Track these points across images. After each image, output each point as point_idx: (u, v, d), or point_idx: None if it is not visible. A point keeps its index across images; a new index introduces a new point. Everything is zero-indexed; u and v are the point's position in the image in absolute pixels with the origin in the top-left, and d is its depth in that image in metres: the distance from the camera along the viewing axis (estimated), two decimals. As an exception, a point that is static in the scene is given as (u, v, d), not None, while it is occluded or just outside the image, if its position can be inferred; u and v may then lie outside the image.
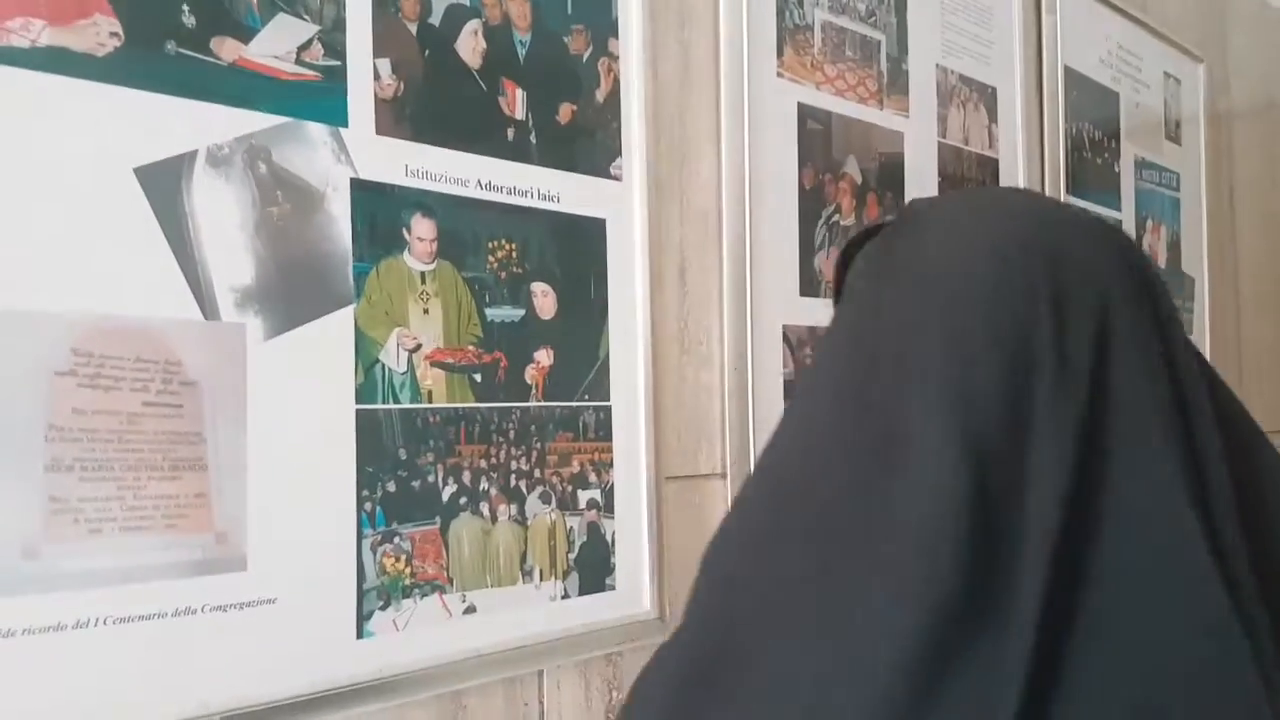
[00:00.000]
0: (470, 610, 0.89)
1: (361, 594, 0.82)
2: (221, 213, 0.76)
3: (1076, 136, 1.90)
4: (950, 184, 1.55)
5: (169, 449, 0.72)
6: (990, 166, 1.65)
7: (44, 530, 0.65)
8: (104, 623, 0.68)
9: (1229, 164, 2.43)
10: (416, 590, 0.85)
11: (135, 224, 0.72)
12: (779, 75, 1.27)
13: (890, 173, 1.44)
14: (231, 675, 0.74)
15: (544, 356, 0.97)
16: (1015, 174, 1.71)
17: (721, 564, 0.49)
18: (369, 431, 0.83)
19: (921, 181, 1.49)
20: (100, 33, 0.70)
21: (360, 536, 0.82)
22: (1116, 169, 2.04)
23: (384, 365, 0.84)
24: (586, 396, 1.01)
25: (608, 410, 1.03)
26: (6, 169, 0.67)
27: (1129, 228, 2.07)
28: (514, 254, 0.95)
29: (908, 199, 1.46)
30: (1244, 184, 2.47)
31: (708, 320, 1.17)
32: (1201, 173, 2.30)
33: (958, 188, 1.57)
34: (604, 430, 1.02)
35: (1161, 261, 2.21)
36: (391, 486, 0.84)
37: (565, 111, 1.00)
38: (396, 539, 0.84)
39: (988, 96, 1.65)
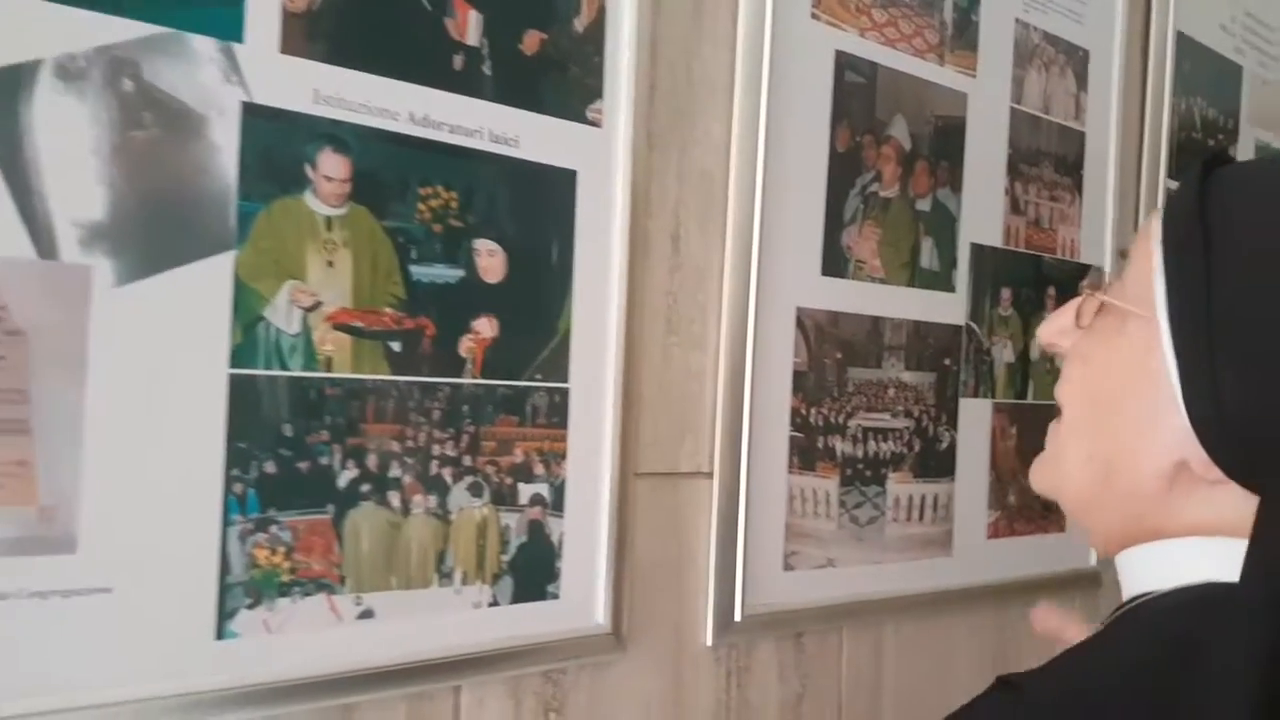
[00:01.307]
0: (367, 614, 0.75)
1: (224, 589, 0.68)
2: (70, 134, 0.62)
3: (1185, 114, 1.62)
4: (1022, 156, 1.31)
5: (-20, 408, 0.59)
6: (1075, 140, 1.41)
7: None
8: (-124, 607, 0.56)
9: (1371, 155, 2.07)
10: (297, 588, 0.72)
11: (-47, 139, 0.59)
12: (814, 17, 1.06)
13: (948, 139, 1.22)
14: (56, 672, 0.62)
15: (485, 326, 0.82)
16: (1106, 151, 1.46)
17: None
18: (245, 401, 0.69)
19: (987, 151, 1.27)
20: (-80, -93, 0.58)
21: (226, 523, 0.68)
22: (1232, 152, 1.74)
23: (270, 324, 0.70)
24: (538, 376, 0.85)
25: (564, 393, 0.87)
26: None
27: (1241, 221, 1.77)
28: (453, 204, 0.79)
29: (967, 170, 1.24)
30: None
31: (704, 296, 1.00)
32: (1336, 163, 1.96)
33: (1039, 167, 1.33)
34: (558, 416, 0.86)
35: None
36: (271, 467, 0.70)
37: (531, 40, 0.83)
38: (274, 528, 0.70)
39: (1077, 60, 1.40)
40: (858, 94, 1.11)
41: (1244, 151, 1.76)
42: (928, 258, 1.19)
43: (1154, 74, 1.54)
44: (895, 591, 1.16)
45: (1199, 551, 0.48)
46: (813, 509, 1.08)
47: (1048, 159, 1.36)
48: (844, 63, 1.09)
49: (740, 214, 1.00)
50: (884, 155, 1.14)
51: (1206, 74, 1.66)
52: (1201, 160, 0.50)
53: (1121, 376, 0.50)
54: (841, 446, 1.11)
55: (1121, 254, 0.54)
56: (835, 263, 1.10)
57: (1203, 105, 1.66)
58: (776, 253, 1.03)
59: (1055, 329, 0.56)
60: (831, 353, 1.10)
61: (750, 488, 1.01)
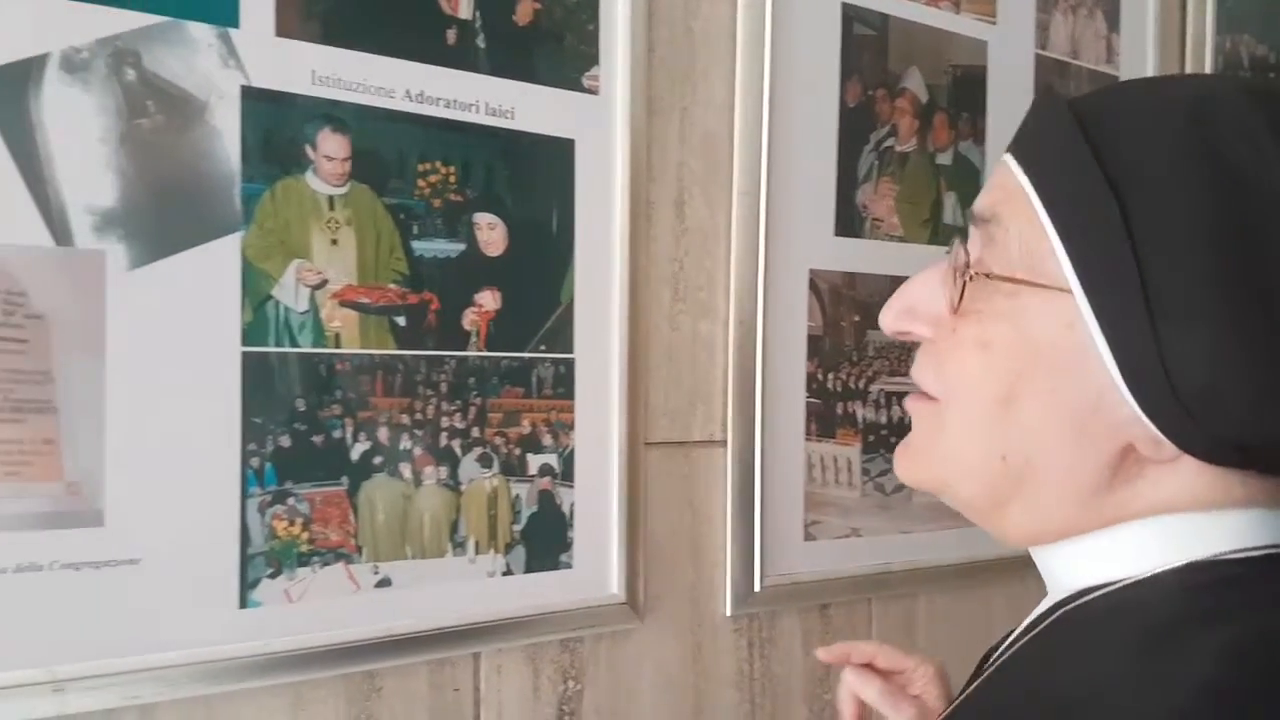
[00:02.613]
0: (384, 583, 0.83)
1: (246, 559, 0.76)
2: (78, 125, 0.70)
3: (1231, 53, 1.63)
4: (1049, 105, 1.35)
5: (10, 389, 0.67)
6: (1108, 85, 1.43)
7: None
8: (-75, 577, 0.65)
9: None
10: (315, 558, 0.79)
11: (-28, 135, 0.67)
12: (818, -30, 1.11)
13: (967, 90, 1.26)
14: (86, 640, 0.70)
15: (488, 299, 0.88)
16: (1142, 95, 1.48)
17: None
18: (258, 378, 0.77)
19: (1011, 101, 1.31)
20: (-68, -85, 0.65)
21: (245, 495, 0.76)
22: (1287, 90, 1.75)
23: (278, 303, 0.78)
24: (543, 347, 0.92)
25: (569, 364, 0.93)
26: None
27: (1299, 163, 1.77)
28: (451, 178, 0.86)
29: (990, 121, 1.28)
30: None
31: (711, 263, 1.06)
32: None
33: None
34: (564, 387, 0.93)
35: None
36: (286, 441, 0.78)
37: (525, 10, 0.89)
38: (291, 500, 0.78)
39: (1107, 0, 1.43)
40: (868, 46, 1.16)
41: (1303, 88, 1.76)
42: (951, 213, 1.24)
43: (1194, 10, 1.56)
44: (926, 562, 1.22)
45: (1170, 531, 0.45)
46: (834, 477, 1.14)
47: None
48: (852, 15, 1.14)
49: (746, 176, 1.06)
50: (899, 109, 1.19)
51: (1254, 7, 1.67)
52: (1045, 95, 0.46)
53: (1035, 362, 0.45)
54: (863, 412, 1.16)
55: (978, 217, 0.48)
56: (850, 222, 1.15)
57: (1251, 42, 1.68)
58: (786, 214, 1.09)
59: (902, 311, 0.50)
60: (849, 315, 1.15)
61: (766, 456, 1.07)
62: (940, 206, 1.23)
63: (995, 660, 0.52)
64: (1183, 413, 0.42)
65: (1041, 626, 0.49)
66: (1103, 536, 0.47)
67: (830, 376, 1.14)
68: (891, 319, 0.51)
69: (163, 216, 0.73)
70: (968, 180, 1.26)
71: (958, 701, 0.52)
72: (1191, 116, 0.43)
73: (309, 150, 0.79)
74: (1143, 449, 0.44)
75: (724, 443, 1.06)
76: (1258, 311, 0.40)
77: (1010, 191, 0.46)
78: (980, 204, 0.48)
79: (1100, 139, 0.43)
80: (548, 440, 0.92)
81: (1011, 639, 0.52)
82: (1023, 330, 0.45)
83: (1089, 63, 1.41)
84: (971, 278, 0.46)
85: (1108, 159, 0.43)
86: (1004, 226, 0.46)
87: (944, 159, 1.24)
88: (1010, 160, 0.47)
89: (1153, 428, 0.43)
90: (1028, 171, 0.45)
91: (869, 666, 0.76)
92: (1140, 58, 1.48)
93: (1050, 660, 0.46)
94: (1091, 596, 0.46)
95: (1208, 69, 1.58)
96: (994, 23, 1.28)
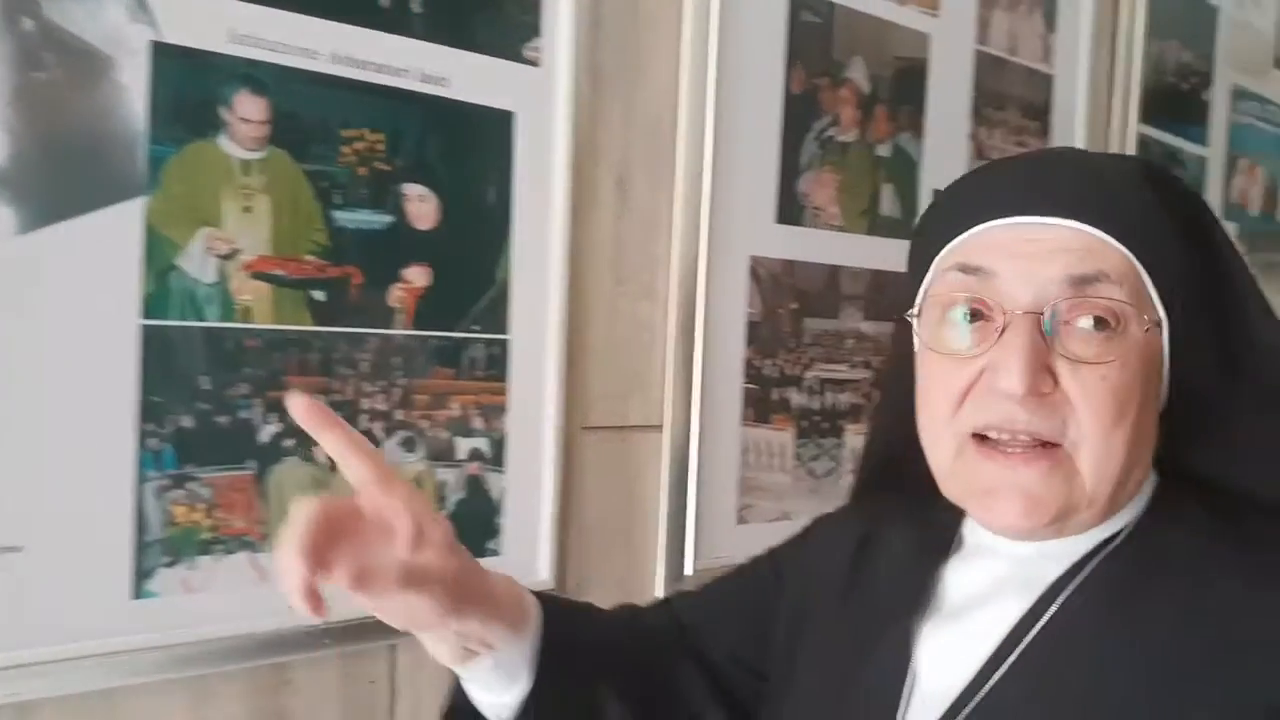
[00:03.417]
0: (296, 572, 0.75)
1: (141, 547, 0.68)
2: (-42, 71, 0.60)
3: (1158, 56, 1.61)
4: (987, 100, 1.30)
5: None
6: (1042, 83, 1.39)
7: None
8: None
9: (1350, 101, 2.07)
10: (218, 546, 0.71)
11: None
12: (766, -48, 1.04)
13: (908, 82, 1.20)
14: (-42, 635, 0.61)
15: (417, 275, 0.80)
16: (1074, 93, 1.45)
17: None
18: (158, 353, 0.68)
19: (950, 95, 1.26)
20: None
21: (141, 479, 0.67)
22: (1206, 97, 1.74)
23: (184, 273, 0.69)
24: (475, 327, 0.84)
25: (503, 345, 0.86)
26: None
27: (1215, 166, 1.77)
28: (379, 147, 0.77)
29: (930, 114, 1.23)
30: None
31: (654, 246, 0.99)
32: (1314, 109, 1.96)
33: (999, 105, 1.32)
34: (497, 368, 0.85)
35: (1254, 207, 1.91)
36: (188, 422, 0.69)
37: (462, -26, 0.81)
38: (192, 484, 0.69)
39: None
40: (813, 34, 1.09)
41: (1217, 94, 1.75)
42: (888, 204, 1.19)
43: (1125, 14, 1.53)
44: (854, 545, 1.17)
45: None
46: (767, 462, 1.09)
47: (1014, 103, 1.35)
48: (798, 2, 1.07)
49: (690, 159, 0.99)
50: (842, 98, 1.13)
51: (1180, 14, 1.64)
52: (1126, 173, 0.55)
53: (1149, 383, 0.53)
54: (798, 399, 1.11)
55: (1082, 278, 0.51)
56: (791, 210, 1.09)
57: (1177, 48, 1.66)
58: (729, 199, 1.02)
59: (1038, 372, 0.51)
60: (787, 303, 1.09)
61: (702, 441, 1.01)
62: (879, 197, 1.18)
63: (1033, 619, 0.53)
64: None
65: (1087, 571, 0.53)
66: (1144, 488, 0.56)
67: (767, 363, 1.08)
68: (1033, 381, 0.50)
69: (58, 178, 0.63)
70: (905, 172, 1.21)
71: (1002, 674, 0.52)
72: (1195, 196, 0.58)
73: (224, 112, 0.70)
74: None
75: (660, 428, 1.00)
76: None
77: (1103, 254, 0.52)
78: (1080, 267, 0.52)
79: (1176, 211, 0.54)
80: (478, 423, 0.84)
81: (1039, 597, 0.53)
82: (1145, 361, 0.53)
83: (1026, 60, 1.36)
84: (1148, 329, 0.52)
85: (1185, 228, 0.54)
86: (1111, 283, 0.52)
87: (883, 150, 1.18)
88: (1091, 230, 0.52)
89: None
90: (1124, 241, 0.52)
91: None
92: (1073, 58, 1.44)
93: (1155, 592, 0.51)
94: (1146, 532, 0.54)
95: (1137, 72, 1.55)
96: (936, 15, 1.22)
